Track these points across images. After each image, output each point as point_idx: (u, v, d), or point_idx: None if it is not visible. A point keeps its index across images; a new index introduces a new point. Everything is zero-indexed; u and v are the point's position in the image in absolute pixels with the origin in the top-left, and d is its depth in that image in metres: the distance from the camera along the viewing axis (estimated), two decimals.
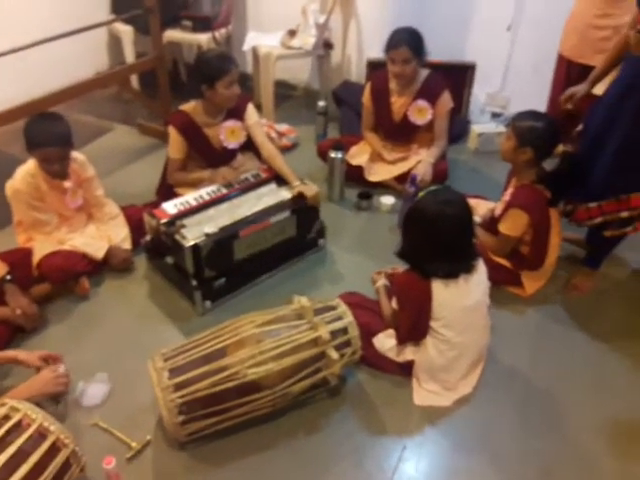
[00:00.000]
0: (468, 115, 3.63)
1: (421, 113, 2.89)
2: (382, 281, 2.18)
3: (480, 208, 2.63)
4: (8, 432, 1.45)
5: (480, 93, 3.66)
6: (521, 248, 2.34)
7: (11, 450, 1.42)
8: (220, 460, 1.75)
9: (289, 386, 1.76)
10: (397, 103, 2.94)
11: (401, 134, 3.00)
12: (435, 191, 1.86)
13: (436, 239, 1.81)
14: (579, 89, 2.39)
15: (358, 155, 3.07)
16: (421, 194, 1.87)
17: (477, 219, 2.53)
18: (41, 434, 1.47)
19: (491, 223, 2.41)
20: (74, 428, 1.74)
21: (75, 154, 2.39)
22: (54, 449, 1.48)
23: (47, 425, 1.48)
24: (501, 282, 2.37)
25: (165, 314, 2.28)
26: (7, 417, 1.48)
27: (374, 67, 3.26)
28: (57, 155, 2.20)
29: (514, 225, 2.26)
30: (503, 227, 2.29)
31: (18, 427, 1.46)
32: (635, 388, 2.02)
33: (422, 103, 2.87)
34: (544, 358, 2.14)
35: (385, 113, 2.96)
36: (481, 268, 1.93)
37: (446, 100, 2.89)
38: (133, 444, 1.76)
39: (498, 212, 2.36)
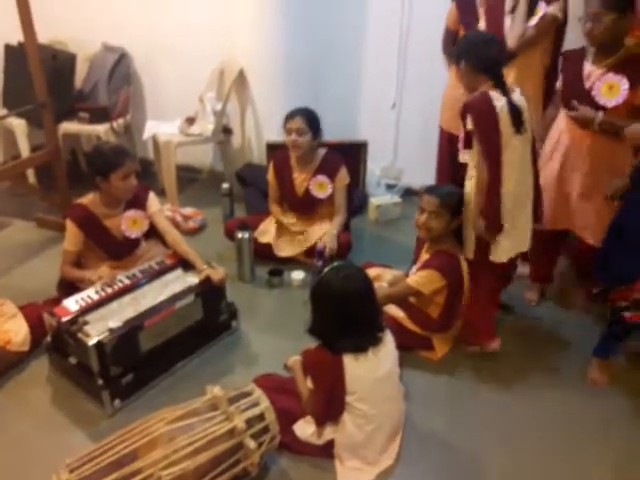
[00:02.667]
0: (366, 189, 3.83)
1: (321, 187, 3.04)
2: (294, 357, 2.16)
3: (386, 275, 2.74)
4: None
5: (375, 167, 3.89)
6: (430, 309, 2.43)
7: None
8: None
9: None
10: (299, 178, 3.07)
11: (304, 207, 3.13)
12: (336, 267, 1.92)
13: (341, 314, 1.85)
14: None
15: (266, 232, 3.14)
16: (326, 270, 1.93)
17: (384, 284, 2.64)
18: None
19: None
20: None
21: None
22: None
23: None
24: (412, 347, 2.46)
25: (71, 420, 2.14)
26: None
27: (273, 148, 3.39)
28: None
29: (425, 282, 2.32)
30: (412, 280, 2.36)
31: None
32: (545, 439, 2.12)
33: (322, 178, 3.03)
34: (459, 419, 2.19)
35: (289, 188, 3.09)
36: (388, 338, 1.99)
37: (343, 175, 3.07)
38: None
39: (413, 270, 2.46)
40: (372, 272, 2.69)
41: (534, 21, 2.66)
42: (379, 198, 3.72)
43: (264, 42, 3.53)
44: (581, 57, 2.32)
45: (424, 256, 2.48)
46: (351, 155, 3.60)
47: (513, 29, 2.72)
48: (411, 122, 3.77)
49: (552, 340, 2.61)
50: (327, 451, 1.97)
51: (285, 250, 3.10)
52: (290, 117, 2.92)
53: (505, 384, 2.35)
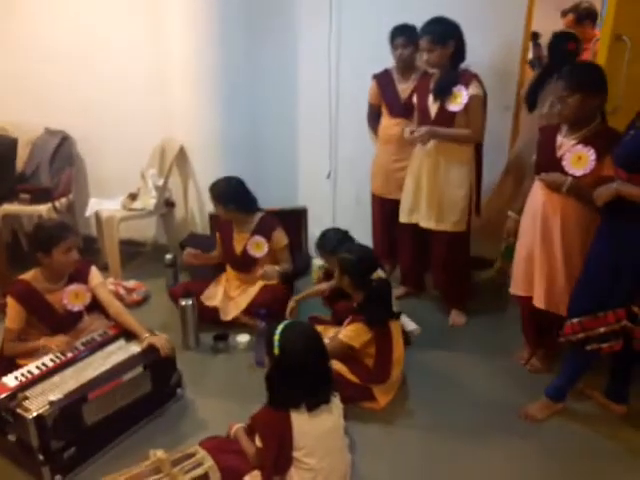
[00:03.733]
0: (309, 251, 3.98)
1: (258, 247, 3.20)
2: (237, 425, 2.17)
3: (328, 332, 2.84)
4: None
5: (317, 231, 4.05)
6: (366, 360, 2.54)
7: None
8: None
9: None
10: (237, 239, 3.25)
11: (243, 265, 3.26)
12: (289, 325, 1.98)
13: (294, 374, 1.91)
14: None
15: (212, 297, 3.23)
16: (276, 338, 1.97)
17: (326, 341, 2.73)
18: None
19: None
20: None
21: None
22: None
23: None
24: (355, 399, 2.53)
25: None
26: None
27: (216, 218, 3.52)
28: None
29: (353, 335, 2.48)
30: (342, 334, 2.51)
31: None
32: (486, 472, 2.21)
33: (258, 238, 3.20)
34: (403, 467, 2.25)
35: (229, 247, 3.26)
36: (336, 394, 2.05)
37: (280, 235, 3.25)
38: None
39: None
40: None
41: (460, 106, 2.85)
42: (321, 260, 3.87)
43: (201, 121, 3.73)
44: (555, 130, 2.50)
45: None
46: (292, 220, 3.78)
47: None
48: (346, 189, 4.00)
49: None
50: None
51: (230, 313, 3.17)
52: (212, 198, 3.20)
53: (452, 434, 2.43)
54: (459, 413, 2.55)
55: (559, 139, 2.45)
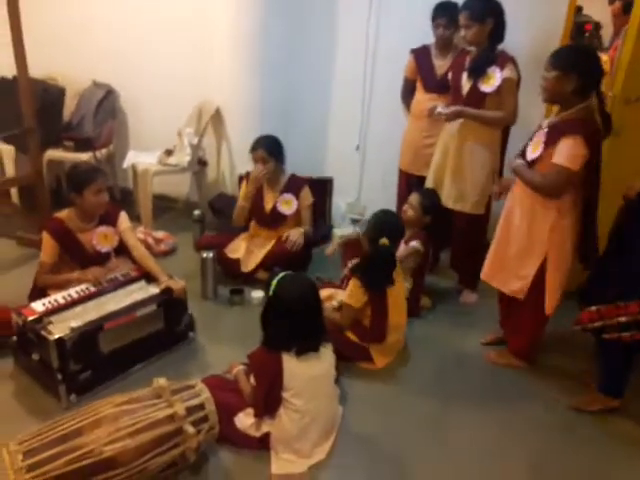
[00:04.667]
0: (331, 221, 4.08)
1: (288, 204, 3.37)
2: (238, 367, 2.33)
3: (338, 295, 2.96)
4: None
5: (341, 202, 4.17)
6: (364, 321, 2.66)
7: None
8: None
9: (146, 462, 1.85)
10: (268, 197, 3.39)
11: (271, 222, 3.42)
12: (289, 275, 2.15)
13: (287, 318, 2.07)
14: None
15: (235, 250, 3.40)
16: (273, 282, 2.14)
17: (335, 304, 2.86)
18: None
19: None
20: None
21: None
22: None
23: None
24: (353, 358, 2.66)
25: (29, 411, 2.31)
26: None
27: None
28: None
29: (353, 295, 2.60)
30: (345, 296, 2.64)
31: None
32: (474, 444, 2.30)
33: (288, 196, 3.36)
34: (393, 424, 2.37)
35: (259, 205, 3.40)
36: (328, 346, 2.19)
37: (307, 194, 3.43)
38: None
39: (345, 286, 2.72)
40: (325, 292, 2.94)
41: (492, 87, 2.86)
42: (342, 230, 3.98)
43: (238, 85, 3.86)
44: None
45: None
46: (318, 190, 3.87)
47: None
48: (374, 163, 4.07)
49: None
50: (264, 444, 2.13)
51: (249, 265, 3.34)
52: (253, 149, 3.28)
53: (444, 398, 2.53)
54: (455, 381, 2.65)
55: (544, 123, 2.45)
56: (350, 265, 2.81)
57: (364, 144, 4.04)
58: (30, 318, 2.35)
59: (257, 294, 3.19)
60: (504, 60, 2.86)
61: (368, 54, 3.79)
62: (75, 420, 1.85)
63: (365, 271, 2.60)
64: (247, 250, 3.40)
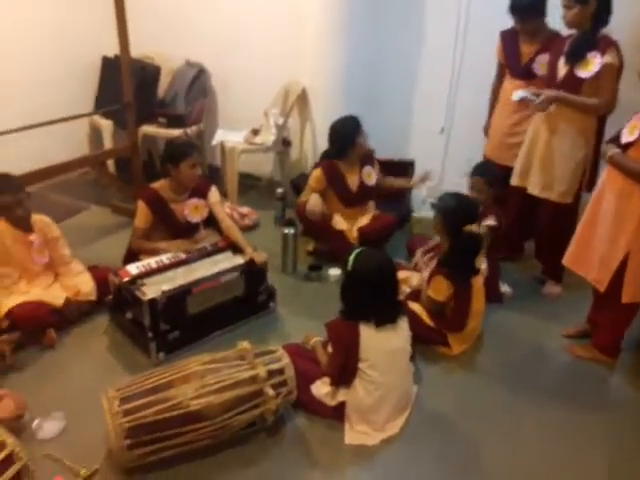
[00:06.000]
0: (410, 205, 4.06)
1: (370, 176, 3.43)
2: (316, 338, 2.42)
3: (413, 279, 2.96)
4: None
5: (422, 186, 4.12)
6: (447, 312, 2.64)
7: None
8: None
9: (228, 419, 1.96)
10: (349, 177, 3.41)
11: (360, 198, 3.46)
12: (366, 249, 2.19)
13: (363, 289, 2.11)
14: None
15: (339, 222, 3.41)
16: (351, 257, 2.18)
17: (407, 290, 2.86)
18: None
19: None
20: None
21: (41, 216, 2.70)
22: (8, 462, 1.64)
23: (4, 439, 1.65)
24: (430, 341, 2.65)
25: (122, 364, 2.49)
26: None
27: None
28: (13, 200, 2.50)
29: (437, 290, 2.57)
30: (429, 290, 2.61)
31: None
32: (542, 430, 2.26)
33: (369, 168, 3.43)
34: (466, 408, 2.36)
35: (344, 188, 3.40)
36: (404, 318, 2.22)
37: (375, 162, 3.52)
38: (82, 471, 1.91)
39: (426, 276, 2.69)
40: (401, 274, 2.92)
41: (590, 73, 2.73)
42: (422, 213, 3.96)
43: (325, 66, 3.89)
44: None
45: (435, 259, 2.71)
46: (399, 172, 3.87)
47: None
48: (458, 147, 3.99)
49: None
50: (338, 413, 2.19)
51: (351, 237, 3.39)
52: (359, 125, 3.33)
53: (519, 388, 2.49)
54: (532, 372, 2.59)
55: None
56: (425, 255, 2.77)
57: (449, 127, 3.97)
58: (125, 279, 2.52)
59: (334, 272, 3.24)
60: (606, 45, 2.70)
61: (458, 35, 3.70)
62: (166, 374, 1.98)
63: (453, 264, 2.55)
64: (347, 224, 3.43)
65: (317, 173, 3.39)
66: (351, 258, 2.16)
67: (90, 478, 1.91)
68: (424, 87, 3.96)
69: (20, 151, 3.60)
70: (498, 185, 3.08)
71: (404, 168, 3.94)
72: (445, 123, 3.96)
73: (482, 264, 2.88)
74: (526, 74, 3.14)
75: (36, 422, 2.08)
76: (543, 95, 2.82)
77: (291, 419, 2.22)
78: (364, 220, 3.42)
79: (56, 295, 2.63)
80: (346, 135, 3.32)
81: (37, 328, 2.52)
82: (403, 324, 2.20)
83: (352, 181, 3.42)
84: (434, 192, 4.15)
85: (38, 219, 2.67)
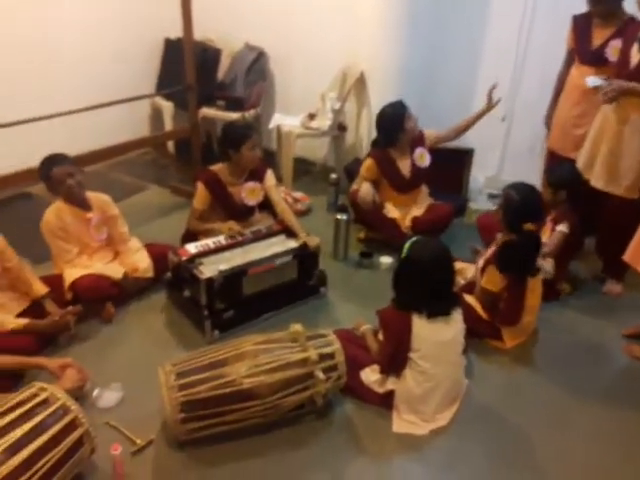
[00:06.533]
0: (467, 194, 3.98)
1: (422, 158, 3.38)
2: (366, 326, 2.42)
3: (468, 271, 2.91)
4: (35, 406, 1.71)
5: (479, 176, 4.04)
6: (500, 304, 2.57)
7: (35, 421, 1.67)
8: (215, 462, 1.97)
9: (279, 399, 1.99)
10: (402, 163, 3.37)
11: (413, 184, 3.41)
12: (422, 239, 2.16)
13: (417, 280, 2.09)
14: None
15: (391, 211, 3.40)
16: (406, 245, 2.16)
17: (462, 281, 2.82)
18: (63, 412, 1.72)
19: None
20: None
21: (99, 194, 2.81)
22: (71, 426, 1.73)
23: (69, 404, 1.74)
24: (483, 335, 2.61)
25: (177, 340, 2.57)
26: (36, 395, 1.75)
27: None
28: (66, 171, 2.60)
29: (491, 281, 2.51)
30: (483, 280, 2.56)
31: (44, 404, 1.73)
32: (595, 429, 2.20)
33: (421, 150, 3.38)
34: (517, 404, 2.31)
35: (397, 175, 3.37)
36: (459, 311, 2.19)
37: (427, 131, 3.44)
38: (138, 441, 2.00)
39: (480, 265, 2.63)
40: (456, 265, 2.87)
41: None
42: (478, 204, 3.88)
43: (385, 50, 3.84)
44: None
45: (492, 248, 2.62)
46: (456, 161, 3.80)
47: None
48: (520, 136, 3.88)
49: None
50: (387, 401, 2.19)
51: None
52: (405, 109, 3.27)
53: (571, 382, 2.43)
54: (586, 370, 2.51)
55: None
56: (487, 251, 2.71)
57: (511, 115, 3.86)
58: (184, 258, 2.59)
59: (386, 259, 3.23)
60: None
61: (525, 20, 3.58)
62: (220, 352, 2.04)
63: (508, 260, 2.46)
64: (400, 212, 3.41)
65: (369, 163, 3.37)
66: (406, 246, 2.14)
67: (145, 448, 1.99)
68: (486, 72, 3.84)
69: (83, 130, 3.73)
70: (569, 189, 2.93)
71: (462, 156, 3.86)
72: (507, 111, 3.84)
73: (548, 266, 2.78)
74: (596, 60, 3.01)
75: (96, 392, 2.19)
76: (613, 84, 2.68)
77: (340, 404, 2.24)
78: (418, 210, 3.38)
79: (115, 269, 2.74)
80: (394, 122, 3.28)
81: (98, 300, 2.63)
82: (457, 316, 2.17)
83: (404, 166, 3.38)
84: (492, 182, 4.08)
85: (96, 197, 2.78)
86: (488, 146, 3.95)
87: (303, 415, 2.16)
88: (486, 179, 4.09)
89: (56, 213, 2.64)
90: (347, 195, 3.54)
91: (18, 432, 1.64)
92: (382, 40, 3.81)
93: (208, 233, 2.92)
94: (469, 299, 2.64)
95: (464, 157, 3.87)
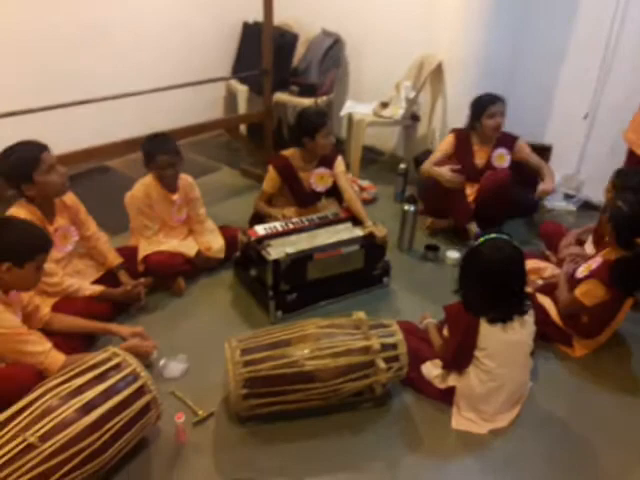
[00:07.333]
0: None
1: (501, 158, 3.32)
2: (429, 319, 2.39)
3: (546, 272, 2.80)
4: (108, 370, 1.79)
5: (556, 174, 3.87)
6: (584, 317, 2.42)
7: (107, 384, 1.75)
8: (273, 440, 2.01)
9: (339, 384, 2.00)
10: (480, 152, 3.33)
11: (479, 175, 3.33)
12: (492, 238, 2.06)
13: (486, 284, 2.02)
14: None
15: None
16: (481, 240, 2.10)
17: (539, 281, 2.72)
18: (133, 377, 1.80)
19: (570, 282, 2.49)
20: None
21: (185, 176, 2.88)
22: (140, 392, 1.80)
23: (139, 371, 1.81)
24: (552, 339, 2.51)
25: (242, 318, 2.63)
26: (109, 359, 1.83)
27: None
28: (169, 162, 2.69)
29: (590, 294, 2.33)
30: (579, 291, 2.36)
31: (116, 368, 1.81)
32: None
33: (502, 150, 3.31)
34: (582, 412, 2.22)
35: (469, 161, 3.33)
36: (530, 313, 2.11)
37: (523, 144, 3.38)
38: (200, 412, 2.06)
39: (580, 275, 2.45)
40: (530, 263, 2.76)
41: None
42: (553, 203, 3.73)
43: (465, 40, 3.72)
44: None
45: (598, 258, 2.44)
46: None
47: None
48: (602, 136, 3.69)
49: None
50: (447, 397, 2.15)
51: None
52: (493, 102, 3.20)
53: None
54: None
55: None
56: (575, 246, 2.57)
57: (593, 114, 3.67)
58: (253, 238, 2.63)
59: (452, 254, 3.17)
60: None
61: (617, 13, 3.38)
62: (284, 332, 2.06)
63: (618, 275, 2.28)
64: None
65: (449, 138, 3.38)
66: (480, 240, 2.07)
67: (206, 419, 2.06)
68: (570, 67, 3.67)
69: (159, 110, 3.84)
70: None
71: (540, 153, 3.70)
72: (590, 108, 3.66)
73: None
74: None
75: (163, 361, 2.27)
76: None
77: (398, 394, 2.23)
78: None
79: (189, 246, 2.82)
80: (477, 106, 3.24)
81: (169, 275, 2.72)
82: (529, 318, 2.09)
83: (480, 156, 3.33)
84: (569, 182, 3.91)
85: (183, 179, 2.86)
86: (567, 144, 3.78)
87: (361, 402, 2.16)
88: (562, 177, 3.92)
89: (145, 190, 2.74)
90: (420, 173, 3.51)
91: (91, 393, 1.72)
92: (463, 31, 3.70)
93: (268, 216, 2.97)
94: (544, 300, 2.54)
95: (541, 153, 3.71)
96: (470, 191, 3.33)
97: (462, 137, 3.34)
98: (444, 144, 3.39)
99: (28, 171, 2.21)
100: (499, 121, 3.21)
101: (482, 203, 3.25)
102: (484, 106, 3.21)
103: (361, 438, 2.04)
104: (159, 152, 2.67)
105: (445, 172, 3.25)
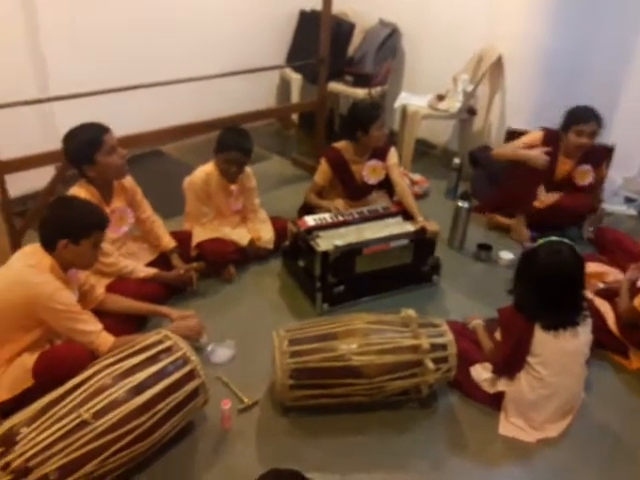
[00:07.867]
0: (601, 195, 3.68)
1: (584, 176, 3.21)
2: (477, 320, 2.33)
3: (609, 276, 2.70)
4: (159, 352, 1.82)
5: (617, 176, 3.72)
6: None
7: (158, 366, 1.78)
8: (316, 432, 2.01)
9: (385, 381, 1.98)
10: (562, 165, 3.21)
11: (555, 184, 3.24)
12: (550, 242, 1.99)
13: (542, 289, 1.95)
14: None
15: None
16: (540, 241, 2.02)
17: (600, 285, 2.61)
18: (183, 361, 1.83)
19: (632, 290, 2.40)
20: None
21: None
22: (190, 376, 1.82)
23: (189, 355, 1.84)
24: (608, 348, 2.42)
25: (289, 307, 2.64)
26: (161, 342, 1.86)
27: (512, 136, 3.48)
28: (238, 160, 2.70)
29: None
30: (638, 301, 2.29)
31: (168, 351, 1.84)
32: None
33: (585, 167, 3.19)
34: (636, 426, 2.13)
35: (551, 167, 3.20)
36: (588, 321, 2.03)
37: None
38: (245, 399, 2.08)
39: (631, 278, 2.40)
40: (593, 267, 2.68)
41: None
42: (612, 207, 3.59)
43: (527, 35, 3.58)
44: None
45: None
46: (594, 158, 3.51)
47: None
48: None
49: None
50: (495, 402, 2.10)
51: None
52: (585, 120, 3.04)
53: None
54: None
55: None
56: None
57: None
58: (303, 229, 2.63)
59: (506, 255, 3.08)
60: None
61: None
62: (332, 325, 2.05)
63: None
64: None
65: (538, 135, 3.25)
66: (539, 241, 2.00)
67: (251, 407, 2.07)
68: (638, 68, 3.50)
69: (212, 96, 3.83)
70: None
71: (601, 154, 3.55)
72: None
73: None
74: None
75: (210, 346, 2.30)
76: None
77: (444, 395, 2.19)
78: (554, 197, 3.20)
79: (242, 235, 2.84)
80: (569, 117, 3.10)
81: (221, 262, 2.74)
82: (586, 327, 2.01)
83: (561, 170, 3.20)
84: (631, 184, 3.75)
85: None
86: (632, 144, 3.61)
87: (406, 401, 2.13)
88: (624, 180, 3.76)
89: (205, 178, 2.76)
90: (492, 156, 3.43)
91: (143, 375, 1.75)
92: (525, 25, 3.57)
93: (318, 208, 2.95)
94: (602, 306, 2.44)
95: (602, 154, 3.56)
96: (543, 197, 3.21)
97: (552, 136, 3.19)
98: (530, 138, 3.25)
99: (91, 152, 2.26)
100: (584, 142, 3.05)
101: (557, 222, 3.14)
102: (574, 121, 3.06)
103: (405, 437, 2.02)
104: (234, 147, 2.69)
105: (533, 153, 3.14)
